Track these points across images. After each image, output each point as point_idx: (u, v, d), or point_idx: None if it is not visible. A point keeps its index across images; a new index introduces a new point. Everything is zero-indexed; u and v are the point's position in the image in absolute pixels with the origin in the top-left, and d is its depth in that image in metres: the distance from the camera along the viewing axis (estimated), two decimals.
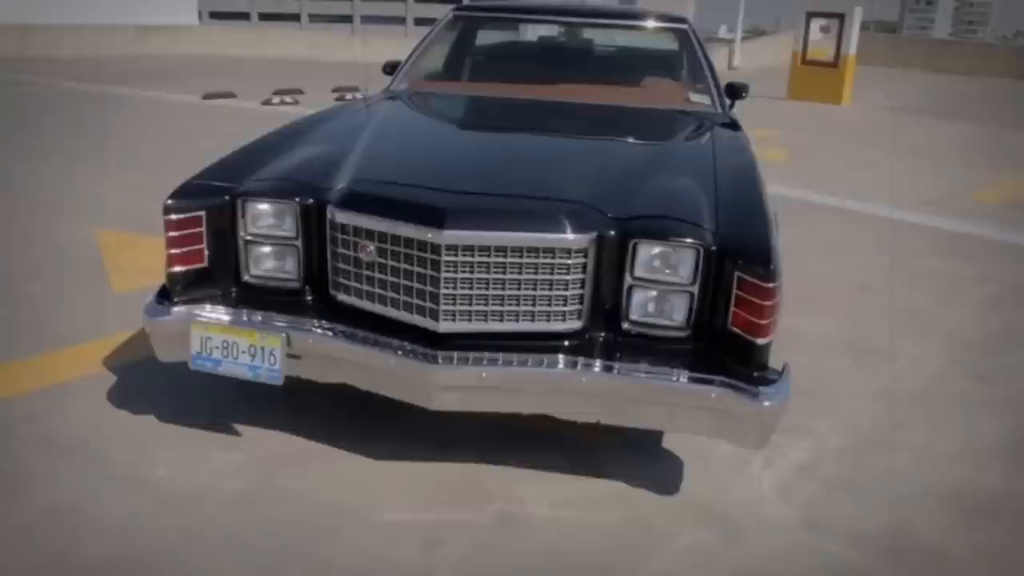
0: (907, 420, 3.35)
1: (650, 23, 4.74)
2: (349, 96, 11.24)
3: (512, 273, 2.51)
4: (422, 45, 4.76)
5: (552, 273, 2.52)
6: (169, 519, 2.51)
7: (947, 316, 4.51)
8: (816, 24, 13.63)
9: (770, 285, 2.39)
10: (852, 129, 11.22)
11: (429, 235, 2.47)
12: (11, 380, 3.33)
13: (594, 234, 2.52)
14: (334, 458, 2.86)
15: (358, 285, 2.68)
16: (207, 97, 12.18)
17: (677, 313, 2.59)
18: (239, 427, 3.01)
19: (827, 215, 6.64)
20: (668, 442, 3.03)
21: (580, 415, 2.55)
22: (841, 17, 13.36)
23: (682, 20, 4.70)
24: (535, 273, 2.51)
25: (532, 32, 5.55)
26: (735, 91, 4.48)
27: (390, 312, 2.63)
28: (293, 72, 15.37)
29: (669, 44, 4.92)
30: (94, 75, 14.44)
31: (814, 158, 9.00)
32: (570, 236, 2.49)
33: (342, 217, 2.63)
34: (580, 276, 2.54)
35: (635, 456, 2.96)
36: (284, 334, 2.61)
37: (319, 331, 2.65)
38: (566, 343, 2.60)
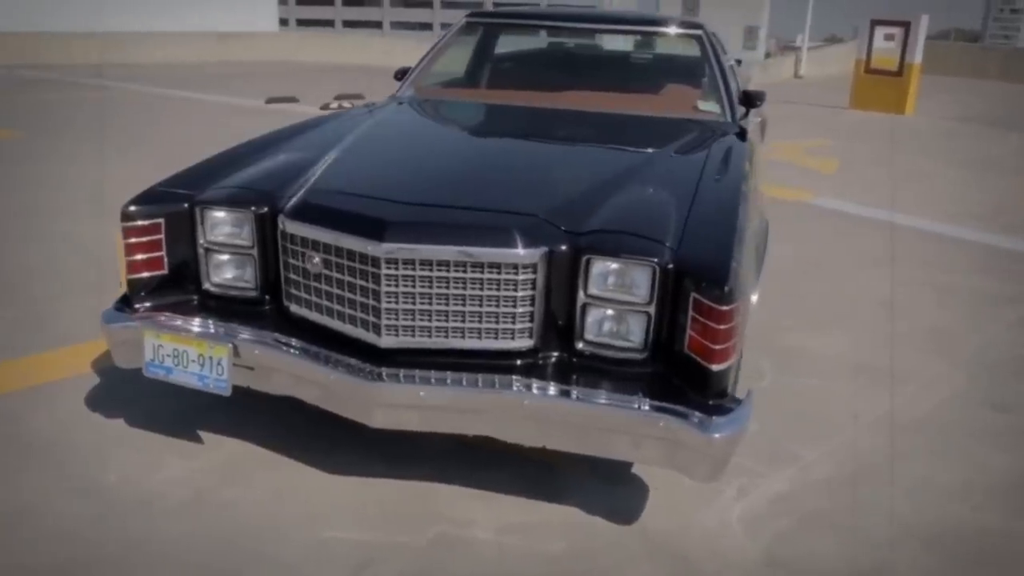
0: (908, 450, 3.12)
1: (664, 30, 4.59)
2: None
3: (456, 288, 2.42)
4: (433, 51, 4.70)
5: (499, 289, 2.42)
6: (109, 527, 2.49)
7: (973, 338, 4.22)
8: (881, 32, 13.11)
9: (725, 308, 2.25)
10: (911, 139, 10.77)
11: (369, 247, 2.40)
12: (3, 378, 3.39)
13: (544, 249, 2.41)
14: (286, 469, 2.81)
15: (307, 297, 2.64)
16: (269, 101, 12.38)
17: (634, 334, 2.46)
18: (203, 433, 2.99)
19: (863, 227, 6.34)
20: (638, 466, 2.89)
21: (524, 439, 2.44)
22: (907, 25, 12.82)
23: (697, 26, 4.53)
24: (480, 289, 2.42)
25: (544, 39, 5.42)
26: (750, 99, 4.30)
27: (336, 325, 2.58)
28: (362, 78, 15.46)
29: (684, 51, 4.76)
30: (166, 80, 14.85)
31: (863, 168, 8.65)
32: (518, 251, 2.39)
33: (291, 227, 2.60)
34: (529, 293, 2.43)
35: (599, 481, 2.83)
36: (231, 344, 2.58)
37: (265, 342, 2.60)
38: (518, 362, 2.50)
